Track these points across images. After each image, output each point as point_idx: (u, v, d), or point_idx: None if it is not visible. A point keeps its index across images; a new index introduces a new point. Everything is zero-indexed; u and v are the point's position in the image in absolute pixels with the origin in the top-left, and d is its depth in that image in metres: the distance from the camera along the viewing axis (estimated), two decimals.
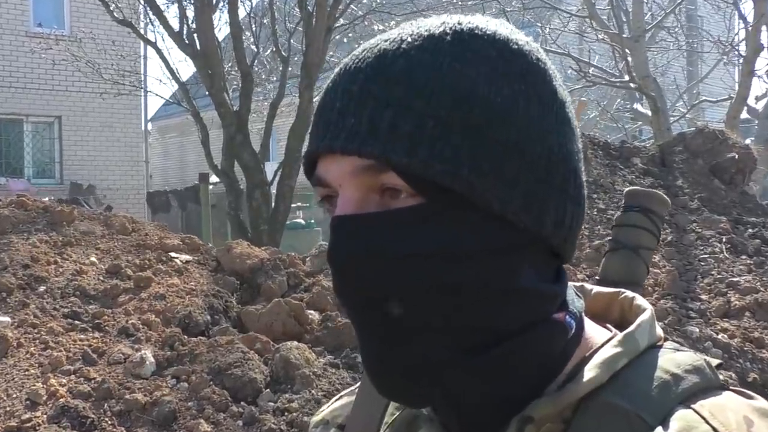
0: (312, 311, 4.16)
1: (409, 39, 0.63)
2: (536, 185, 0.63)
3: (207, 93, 9.12)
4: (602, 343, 0.68)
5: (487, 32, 0.64)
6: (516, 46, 0.64)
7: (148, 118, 21.20)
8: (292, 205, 9.96)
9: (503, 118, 0.61)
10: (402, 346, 0.63)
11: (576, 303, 0.70)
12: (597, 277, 2.50)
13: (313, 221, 14.05)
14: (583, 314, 0.70)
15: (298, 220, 13.43)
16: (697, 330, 4.12)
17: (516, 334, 0.64)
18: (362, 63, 0.64)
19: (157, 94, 25.50)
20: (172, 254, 4.67)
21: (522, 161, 0.62)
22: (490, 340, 0.63)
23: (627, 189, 2.26)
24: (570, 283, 0.71)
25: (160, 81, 28.42)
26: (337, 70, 0.67)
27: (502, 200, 0.62)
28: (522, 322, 0.64)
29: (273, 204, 9.00)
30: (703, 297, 4.56)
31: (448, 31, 0.63)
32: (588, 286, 0.78)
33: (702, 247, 5.17)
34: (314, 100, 8.83)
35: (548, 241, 0.65)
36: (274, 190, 9.29)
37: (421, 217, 0.62)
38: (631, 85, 11.36)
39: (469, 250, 0.61)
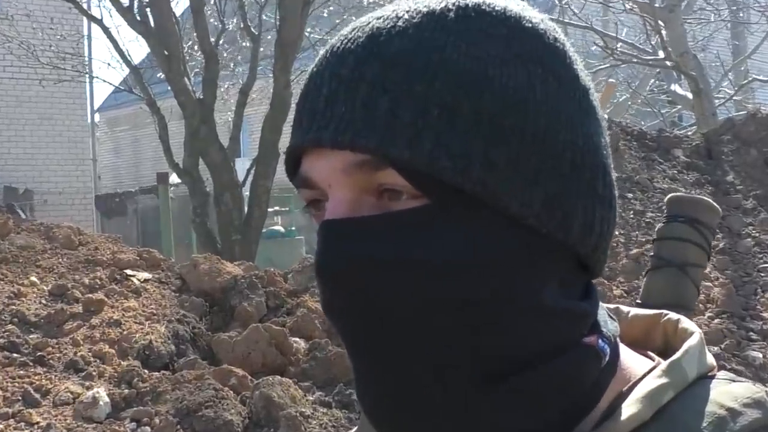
0: (297, 338, 4.15)
1: (406, 16, 0.64)
2: (560, 183, 0.64)
3: (164, 78, 9.11)
4: (643, 374, 0.68)
5: (496, 8, 0.65)
6: (530, 24, 0.65)
7: (95, 108, 21.17)
8: (269, 210, 9.93)
9: (519, 104, 0.62)
10: (405, 376, 0.64)
11: (609, 326, 0.70)
12: (638, 301, 2.48)
13: (294, 228, 14.05)
14: (618, 339, 0.70)
15: (277, 228, 13.44)
16: (760, 355, 4.11)
17: (540, 360, 0.64)
18: (352, 44, 0.65)
19: (104, 81, 25.52)
20: (128, 272, 4.67)
21: (543, 154, 0.63)
22: (510, 368, 0.63)
23: (669, 196, 2.23)
24: (602, 304, 0.71)
25: (108, 65, 28.29)
26: (322, 52, 0.67)
27: (521, 201, 0.62)
28: (547, 347, 0.64)
29: (246, 209, 8.98)
30: (766, 315, 4.55)
31: (450, 6, 0.64)
32: (624, 308, 0.77)
33: (761, 256, 5.17)
34: (292, 84, 8.83)
35: (575, 249, 0.66)
36: (246, 192, 9.26)
37: (425, 221, 0.62)
38: (667, 63, 11.40)
39: (483, 261, 0.62)
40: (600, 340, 0.67)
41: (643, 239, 5.30)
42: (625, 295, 4.60)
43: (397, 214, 0.63)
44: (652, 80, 17.28)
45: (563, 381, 0.65)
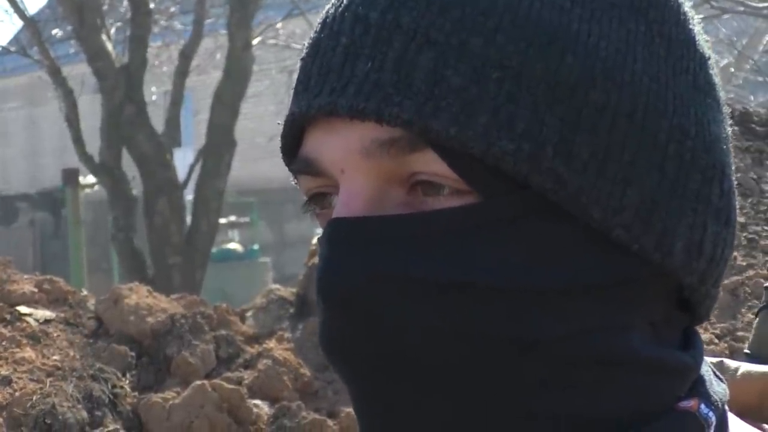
0: (258, 401, 4.17)
1: None
2: (661, 185, 0.64)
3: (72, 35, 9.15)
4: None
5: None
6: None
7: None
8: (222, 222, 9.97)
9: (612, 73, 0.63)
10: None
11: (716, 387, 0.71)
12: (746, 351, 2.48)
13: (257, 247, 14.04)
14: (726, 406, 0.71)
15: (233, 247, 13.45)
16: None
17: (619, 430, 0.65)
18: None
19: None
20: (22, 309, 4.68)
21: (640, 144, 0.64)
22: None
23: None
24: (705, 358, 0.72)
25: None
26: None
27: (607, 205, 0.63)
28: (629, 412, 0.65)
29: (189, 220, 9.03)
30: None
31: None
32: (732, 362, 0.80)
33: None
34: (254, 44, 8.87)
35: (677, 278, 0.66)
36: (189, 196, 9.30)
37: (472, 227, 0.63)
38: None
39: (550, 285, 0.63)
40: (703, 406, 0.67)
41: (744, 263, 5.36)
42: (717, 340, 4.66)
43: (434, 215, 0.64)
44: (766, 38, 17.29)
45: None
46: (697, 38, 0.68)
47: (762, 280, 5.11)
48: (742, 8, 12.76)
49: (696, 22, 0.69)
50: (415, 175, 0.64)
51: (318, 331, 0.67)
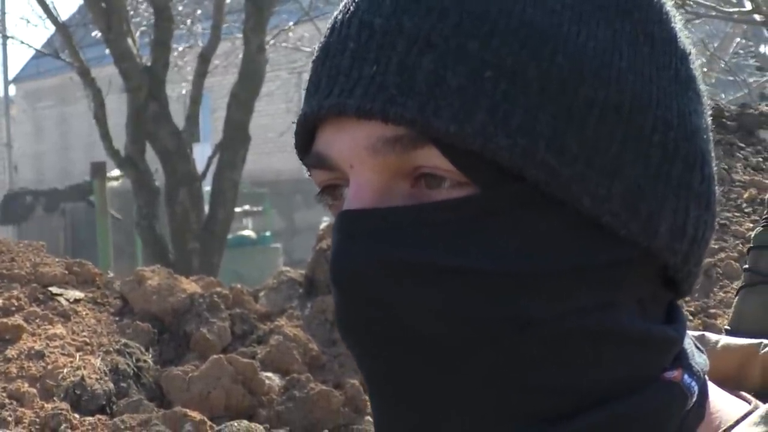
0: (270, 374, 4.18)
1: None
2: (646, 173, 0.65)
3: (101, 39, 9.14)
4: (737, 420, 0.69)
5: None
6: None
7: (10, 78, 21.17)
8: (237, 210, 9.98)
9: (599, 71, 0.63)
10: (439, 415, 0.65)
11: (697, 358, 0.71)
12: (726, 327, 2.47)
13: (269, 234, 14.05)
14: (706, 376, 0.71)
15: (247, 234, 13.45)
16: None
17: (610, 399, 0.65)
18: None
19: (23, 42, 25.44)
20: (54, 289, 4.68)
21: (626, 136, 0.64)
22: (572, 407, 0.65)
23: None
24: (687, 332, 0.72)
25: (28, 22, 28.27)
26: None
27: (596, 194, 0.63)
28: (619, 382, 0.66)
29: (207, 209, 9.03)
30: None
31: None
32: (712, 336, 0.79)
33: None
34: (268, 47, 8.87)
35: (661, 258, 0.67)
36: (208, 187, 9.30)
37: (471, 216, 0.63)
38: (756, 17, 11.40)
39: (544, 270, 0.63)
40: (686, 376, 0.68)
41: (717, 246, 5.36)
42: (691, 317, 4.66)
43: (436, 205, 0.64)
44: (737, 40, 17.26)
45: (638, 425, 0.65)
46: (678, 35, 0.68)
47: (732, 262, 5.11)
48: (714, 12, 12.73)
49: (678, 20, 0.69)
50: (418, 169, 0.65)
51: (334, 314, 0.68)
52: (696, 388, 0.68)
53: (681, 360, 0.69)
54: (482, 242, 0.63)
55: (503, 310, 0.63)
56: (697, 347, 0.73)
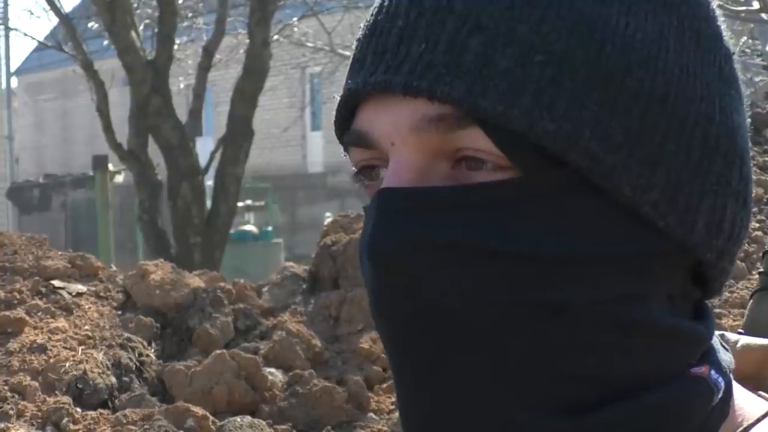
0: (273, 369, 4.18)
1: None
2: (686, 167, 0.65)
3: (104, 31, 9.13)
4: (757, 418, 0.70)
5: None
6: None
7: (12, 70, 21.18)
8: (239, 205, 9.98)
9: (646, 62, 0.64)
10: (469, 400, 0.65)
11: (723, 355, 0.72)
12: (739, 330, 2.48)
13: (270, 229, 14.07)
14: (732, 374, 0.72)
15: (249, 228, 13.47)
16: None
17: (638, 390, 0.66)
18: None
19: (25, 34, 25.42)
20: (56, 283, 4.68)
21: (669, 129, 0.65)
22: (600, 397, 0.65)
23: None
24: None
25: (31, 14, 28.27)
26: None
27: (637, 184, 0.64)
28: (647, 375, 0.66)
29: (209, 203, 9.03)
30: None
31: None
32: (732, 335, 0.79)
33: None
34: (272, 41, 8.86)
35: (696, 253, 0.67)
36: (210, 181, 9.31)
37: (512, 199, 0.64)
38: (763, 15, 11.40)
39: (581, 255, 0.64)
40: (713, 372, 0.68)
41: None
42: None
43: (476, 187, 0.65)
44: (744, 38, 17.24)
45: (665, 418, 0.66)
46: (723, 34, 0.69)
47: (738, 262, 5.09)
48: (721, 11, 12.71)
49: (721, 20, 0.70)
50: (460, 151, 0.65)
51: (368, 295, 0.67)
52: (722, 385, 0.68)
53: (708, 356, 0.70)
54: (521, 226, 0.64)
55: (537, 294, 0.63)
56: (723, 345, 0.74)
